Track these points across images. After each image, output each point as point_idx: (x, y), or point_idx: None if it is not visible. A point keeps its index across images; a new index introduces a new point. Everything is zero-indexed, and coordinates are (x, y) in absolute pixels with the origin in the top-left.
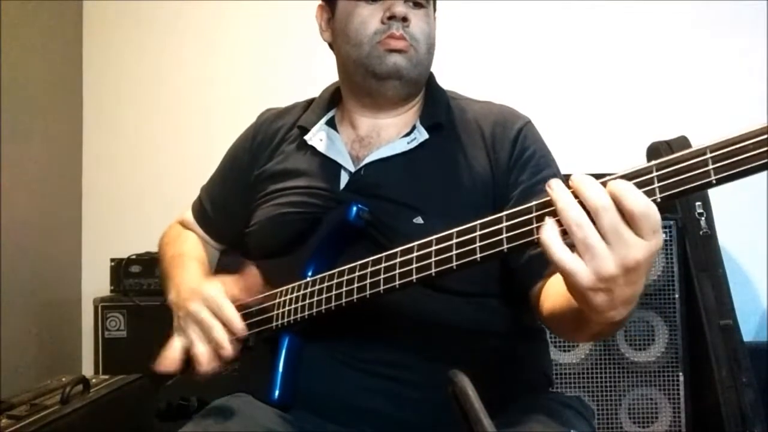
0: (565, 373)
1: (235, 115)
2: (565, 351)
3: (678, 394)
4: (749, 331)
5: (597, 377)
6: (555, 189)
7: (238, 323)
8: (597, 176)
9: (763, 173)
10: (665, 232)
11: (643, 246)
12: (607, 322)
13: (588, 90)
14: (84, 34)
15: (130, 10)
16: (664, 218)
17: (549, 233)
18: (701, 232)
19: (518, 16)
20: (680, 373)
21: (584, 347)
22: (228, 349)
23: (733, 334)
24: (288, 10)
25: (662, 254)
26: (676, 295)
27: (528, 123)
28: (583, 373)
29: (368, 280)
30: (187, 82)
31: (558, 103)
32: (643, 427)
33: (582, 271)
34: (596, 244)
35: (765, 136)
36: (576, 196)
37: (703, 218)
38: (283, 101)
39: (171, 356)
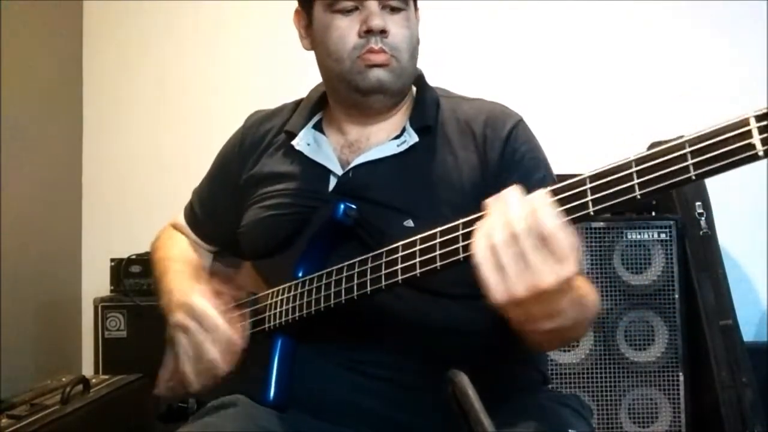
0: (565, 373)
1: (236, 116)
2: (565, 351)
3: (678, 394)
4: (749, 331)
5: (597, 377)
6: (489, 209)
7: (236, 338)
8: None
9: (764, 175)
10: (665, 232)
11: (551, 273)
12: (537, 331)
13: (588, 90)
14: (84, 34)
15: (131, 10)
16: (663, 218)
17: (478, 244)
18: (701, 232)
19: (518, 15)
20: (680, 373)
21: (584, 347)
22: (220, 366)
23: (733, 334)
24: (289, 12)
25: (662, 254)
26: (676, 295)
27: (519, 122)
28: (583, 373)
29: (355, 281)
30: (187, 82)
31: (558, 103)
32: (643, 427)
33: (496, 286)
34: (508, 267)
35: (744, 129)
36: None
37: (703, 218)
38: (284, 102)
39: (165, 378)
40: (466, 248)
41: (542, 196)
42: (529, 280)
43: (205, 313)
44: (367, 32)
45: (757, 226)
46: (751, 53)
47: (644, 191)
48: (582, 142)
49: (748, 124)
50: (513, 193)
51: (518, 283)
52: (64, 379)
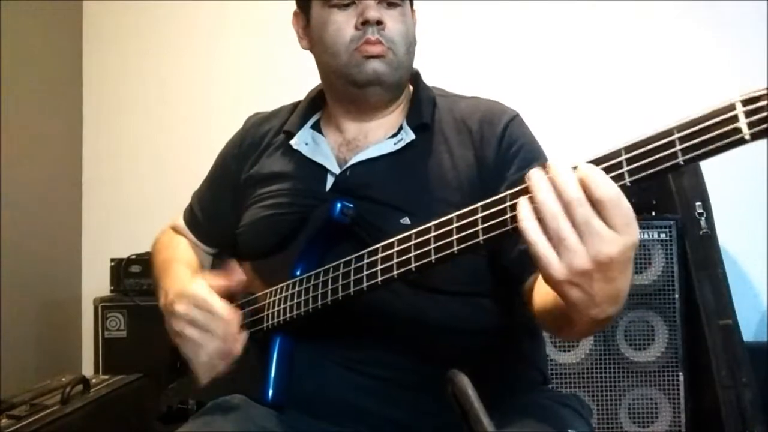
0: (565, 373)
1: (236, 116)
2: (564, 351)
3: (678, 394)
4: (749, 331)
5: (597, 377)
6: (533, 179)
7: (229, 313)
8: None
9: (764, 174)
10: (665, 232)
11: (616, 240)
12: (591, 321)
13: (587, 88)
14: (84, 34)
15: (130, 11)
16: (663, 218)
17: (528, 222)
18: (701, 232)
19: (516, 14)
20: (680, 373)
21: (584, 347)
22: (236, 345)
23: (733, 334)
24: (289, 11)
25: (662, 254)
26: (676, 295)
27: (515, 117)
28: (583, 373)
29: (352, 278)
30: (187, 82)
31: (557, 101)
32: (643, 427)
33: (555, 262)
34: (569, 236)
35: (730, 114)
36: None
37: (703, 218)
38: (284, 103)
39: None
40: (460, 241)
41: (591, 165)
42: (595, 249)
43: (204, 298)
44: (364, 23)
45: (756, 226)
46: (751, 53)
47: (634, 178)
48: (580, 140)
49: (734, 109)
50: (560, 162)
51: (579, 252)
52: (64, 379)
